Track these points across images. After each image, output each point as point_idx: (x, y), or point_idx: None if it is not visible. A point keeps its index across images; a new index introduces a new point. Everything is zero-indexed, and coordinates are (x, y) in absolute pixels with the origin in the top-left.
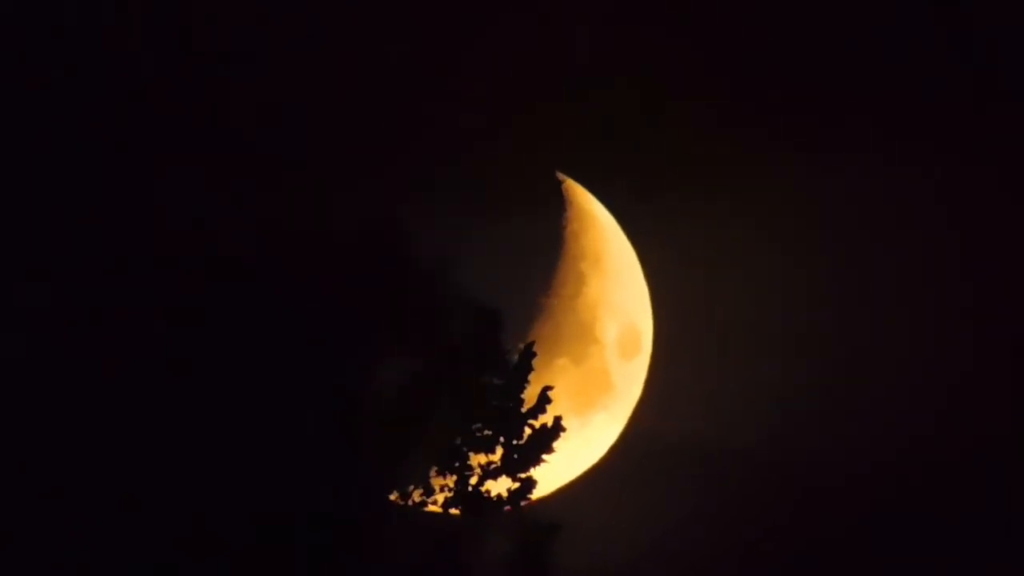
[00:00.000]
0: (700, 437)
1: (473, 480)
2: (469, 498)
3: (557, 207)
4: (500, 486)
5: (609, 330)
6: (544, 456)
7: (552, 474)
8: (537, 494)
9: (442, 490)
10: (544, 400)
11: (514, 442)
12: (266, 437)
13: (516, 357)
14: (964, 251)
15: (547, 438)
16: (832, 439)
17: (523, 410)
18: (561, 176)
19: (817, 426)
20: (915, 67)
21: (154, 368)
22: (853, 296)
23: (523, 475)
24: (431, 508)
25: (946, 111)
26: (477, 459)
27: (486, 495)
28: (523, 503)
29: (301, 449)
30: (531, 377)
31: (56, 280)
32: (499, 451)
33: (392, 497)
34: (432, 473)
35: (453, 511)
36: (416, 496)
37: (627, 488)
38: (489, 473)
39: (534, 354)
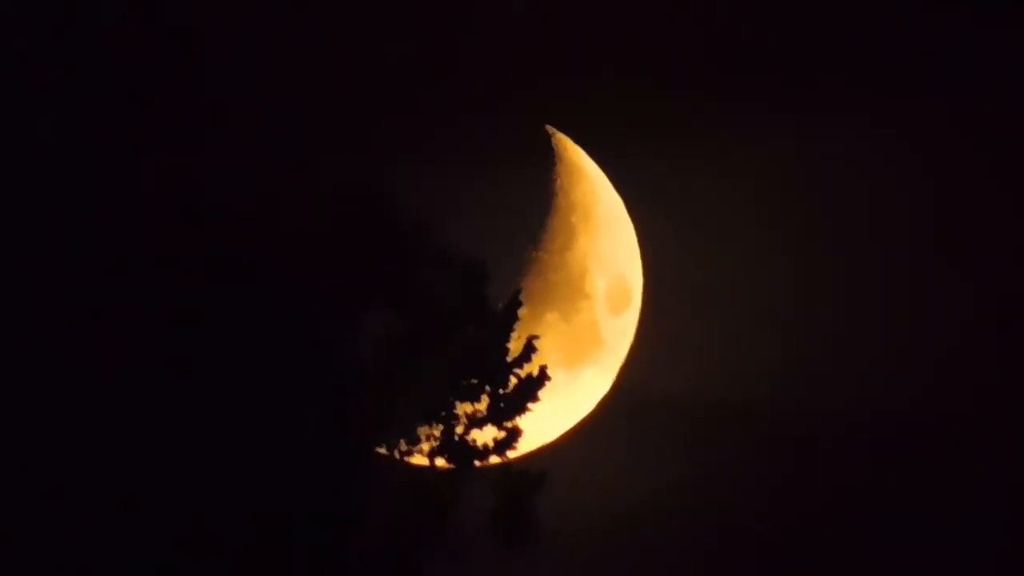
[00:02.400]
0: (690, 391)
1: (459, 429)
2: (455, 447)
3: (547, 161)
4: (486, 436)
5: (599, 284)
6: (529, 405)
7: (541, 429)
8: (525, 449)
9: (428, 439)
10: (530, 349)
11: (500, 391)
12: (259, 409)
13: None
14: (963, 224)
15: (532, 387)
16: (827, 394)
17: (508, 359)
18: (551, 130)
19: (810, 381)
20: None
21: (154, 368)
22: (850, 250)
23: (509, 424)
24: (417, 458)
25: (943, 100)
26: (463, 408)
27: (472, 444)
28: (510, 454)
29: (288, 412)
30: (520, 331)
31: (56, 280)
32: (484, 400)
33: (379, 450)
34: (418, 423)
35: (439, 460)
36: (402, 447)
37: (616, 443)
38: (475, 422)
39: (520, 303)
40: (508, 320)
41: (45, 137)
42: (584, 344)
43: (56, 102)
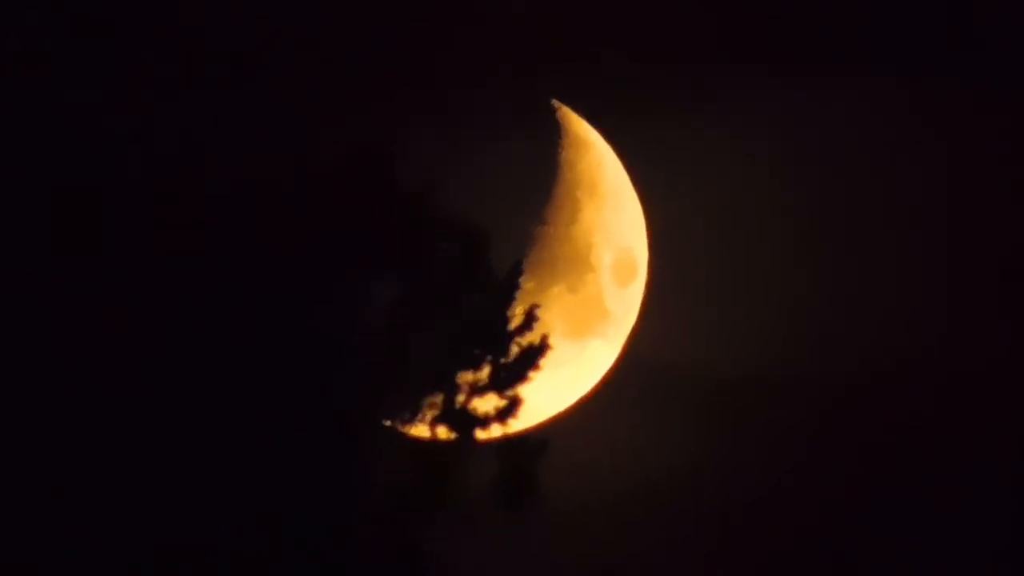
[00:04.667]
0: (697, 363)
1: (460, 398)
2: (456, 416)
3: (552, 135)
4: (487, 405)
5: (604, 257)
6: (531, 374)
7: (547, 401)
8: (532, 421)
9: (429, 407)
10: (531, 318)
11: (501, 360)
12: (260, 382)
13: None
14: (973, 209)
15: (534, 356)
16: (836, 367)
17: (510, 328)
18: (556, 103)
19: (818, 353)
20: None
21: (155, 368)
22: (859, 224)
23: (510, 393)
24: (418, 427)
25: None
26: (464, 377)
27: (473, 413)
28: (513, 423)
29: (290, 384)
30: (524, 304)
31: (56, 280)
32: (486, 369)
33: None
34: (420, 392)
35: (440, 430)
36: (405, 416)
37: (623, 415)
38: (476, 391)
39: (521, 271)
40: (509, 289)
41: (46, 136)
42: (590, 316)
43: (54, 100)
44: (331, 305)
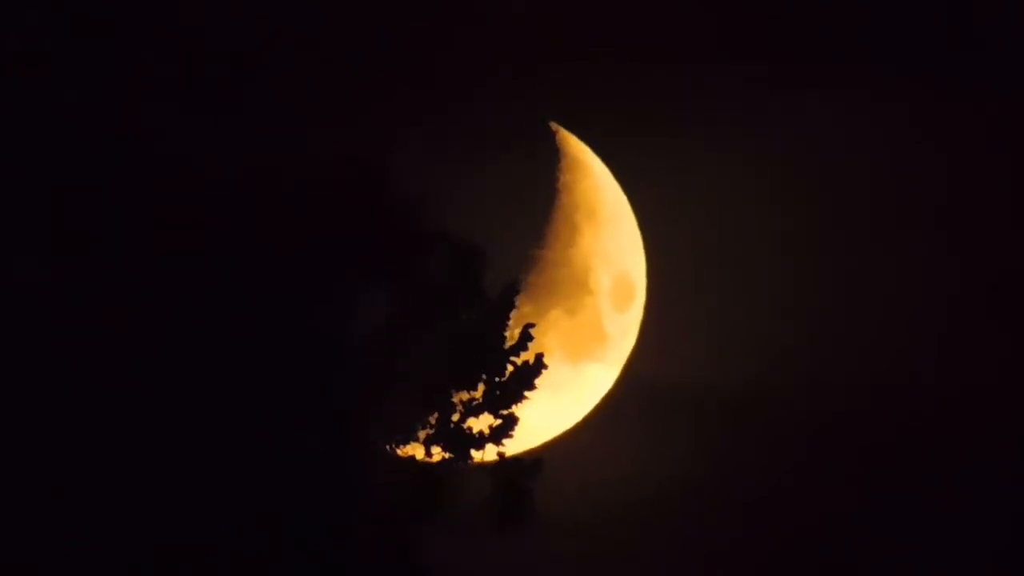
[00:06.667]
0: (694, 386)
1: (455, 417)
2: (451, 435)
3: (551, 158)
4: (482, 424)
5: (603, 281)
6: (527, 393)
7: (546, 425)
8: (530, 444)
9: (424, 427)
10: (526, 337)
11: (496, 379)
12: (256, 401)
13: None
14: (968, 213)
15: (529, 375)
16: (832, 379)
17: (505, 348)
18: (555, 126)
19: (814, 374)
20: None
21: (155, 368)
22: (854, 242)
23: (505, 412)
24: (412, 447)
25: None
26: (459, 396)
27: (468, 432)
28: (509, 444)
29: (285, 402)
30: (522, 327)
31: (56, 280)
32: (481, 388)
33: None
34: (413, 411)
35: (435, 449)
36: (399, 435)
37: (620, 438)
38: (471, 410)
39: (517, 291)
40: (505, 307)
41: (46, 135)
42: (588, 340)
43: (54, 100)
44: (331, 305)
